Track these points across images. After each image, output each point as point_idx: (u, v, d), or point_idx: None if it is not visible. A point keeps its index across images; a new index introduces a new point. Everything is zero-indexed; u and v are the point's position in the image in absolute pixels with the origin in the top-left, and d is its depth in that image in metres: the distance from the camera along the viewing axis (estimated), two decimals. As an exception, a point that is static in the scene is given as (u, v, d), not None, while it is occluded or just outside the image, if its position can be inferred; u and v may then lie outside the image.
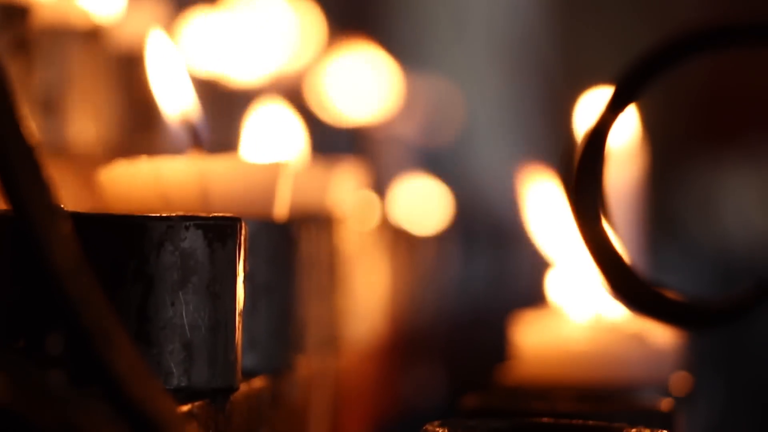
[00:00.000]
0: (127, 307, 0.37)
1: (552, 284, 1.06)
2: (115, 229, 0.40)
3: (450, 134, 2.61)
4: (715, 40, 0.25)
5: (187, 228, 0.41)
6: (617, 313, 0.90)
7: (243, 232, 0.45)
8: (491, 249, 2.80)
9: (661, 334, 0.88)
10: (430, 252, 2.25)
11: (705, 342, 3.60)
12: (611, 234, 0.27)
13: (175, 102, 0.55)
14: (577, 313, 0.96)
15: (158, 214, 0.43)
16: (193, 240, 0.41)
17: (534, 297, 1.26)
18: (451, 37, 3.37)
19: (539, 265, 1.24)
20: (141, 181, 0.50)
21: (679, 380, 0.90)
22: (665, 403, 0.79)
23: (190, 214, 0.45)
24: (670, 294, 0.30)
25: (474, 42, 3.46)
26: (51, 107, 0.81)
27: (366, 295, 1.55)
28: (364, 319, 1.54)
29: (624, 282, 0.27)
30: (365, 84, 2.09)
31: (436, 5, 3.36)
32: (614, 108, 0.26)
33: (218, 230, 0.43)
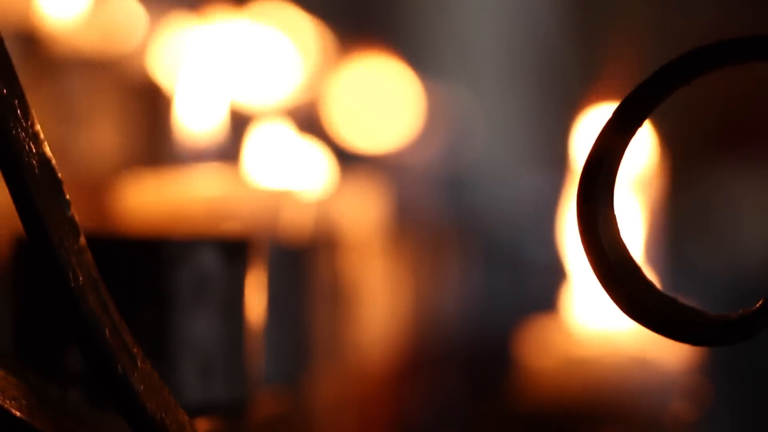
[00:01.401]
0: (145, 324, 0.38)
1: (563, 300, 1.06)
2: (133, 248, 0.40)
3: (470, 154, 2.60)
4: (733, 54, 0.25)
5: (203, 248, 0.42)
6: (627, 331, 0.89)
7: (258, 252, 0.45)
8: (510, 266, 2.81)
9: (670, 355, 0.88)
10: (448, 270, 2.25)
11: (725, 356, 3.55)
12: (621, 243, 0.27)
13: (198, 123, 0.56)
14: (587, 330, 0.96)
15: (176, 235, 0.44)
16: (209, 259, 0.41)
17: (546, 312, 1.25)
18: (461, 54, 3.38)
19: (554, 281, 1.24)
20: (160, 196, 0.51)
21: (697, 398, 0.89)
22: (671, 424, 0.79)
23: (206, 234, 0.45)
24: (686, 306, 0.30)
25: (484, 60, 3.47)
26: (71, 128, 0.83)
27: (381, 315, 1.55)
28: (378, 336, 1.53)
29: (637, 293, 0.26)
30: (380, 104, 2.09)
31: (443, 23, 3.37)
32: (621, 128, 0.25)
33: (234, 250, 0.43)
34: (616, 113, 0.25)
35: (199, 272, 0.41)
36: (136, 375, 0.22)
